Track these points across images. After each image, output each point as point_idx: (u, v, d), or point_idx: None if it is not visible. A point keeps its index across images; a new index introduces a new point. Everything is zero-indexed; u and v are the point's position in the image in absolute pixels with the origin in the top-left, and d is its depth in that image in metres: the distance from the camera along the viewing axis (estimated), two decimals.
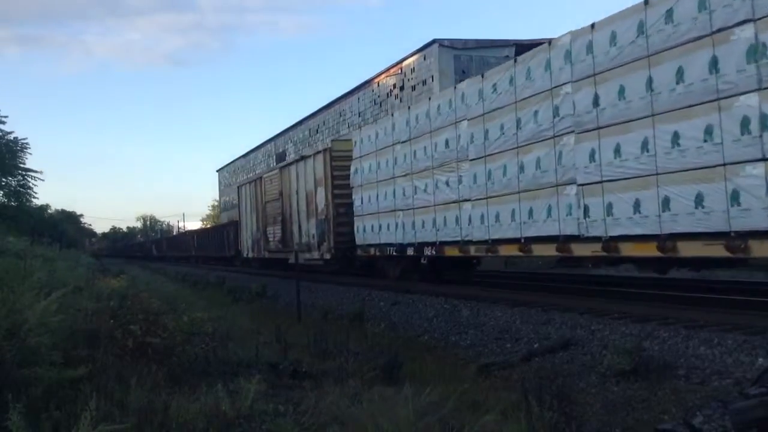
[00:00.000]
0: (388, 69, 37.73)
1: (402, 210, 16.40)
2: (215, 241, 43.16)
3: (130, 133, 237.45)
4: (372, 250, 18.23)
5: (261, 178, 28.98)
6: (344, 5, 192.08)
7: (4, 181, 40.77)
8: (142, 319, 7.02)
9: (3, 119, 39.59)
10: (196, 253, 52.06)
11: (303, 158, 23.07)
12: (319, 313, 13.93)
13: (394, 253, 16.92)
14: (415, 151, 15.80)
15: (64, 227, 56.55)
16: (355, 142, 19.25)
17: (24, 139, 41.20)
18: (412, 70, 35.04)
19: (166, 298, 12.31)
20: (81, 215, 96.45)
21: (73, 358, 5.42)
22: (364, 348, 8.60)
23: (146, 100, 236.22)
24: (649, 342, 7.95)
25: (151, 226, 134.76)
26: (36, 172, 42.19)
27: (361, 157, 18.67)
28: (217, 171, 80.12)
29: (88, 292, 9.45)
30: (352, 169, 19.19)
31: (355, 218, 18.94)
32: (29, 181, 42.02)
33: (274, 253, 26.70)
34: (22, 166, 41.31)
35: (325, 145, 21.68)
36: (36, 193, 43.36)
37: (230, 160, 74.38)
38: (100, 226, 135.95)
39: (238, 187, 34.49)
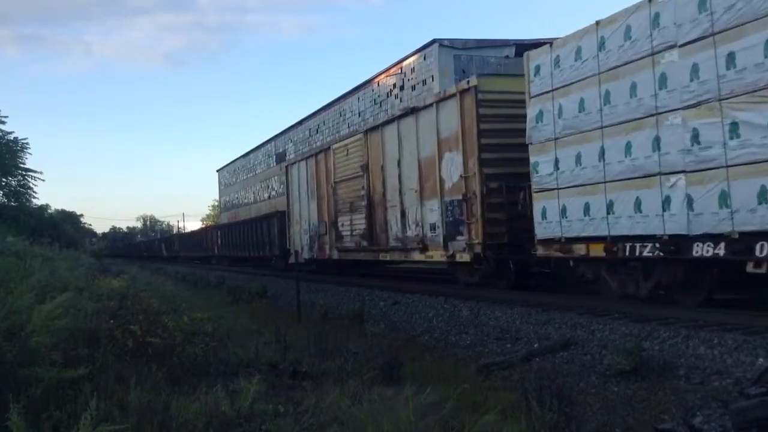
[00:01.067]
0: (388, 69, 37.73)
1: (685, 172, 8.76)
2: (250, 238, 33.67)
3: (130, 133, 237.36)
4: (578, 249, 10.69)
5: (328, 149, 20.98)
6: (345, 5, 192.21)
7: (4, 181, 40.83)
8: (142, 319, 7.05)
9: (3, 119, 39.66)
10: (221, 253, 41.92)
11: (414, 111, 15.50)
12: (319, 313, 13.93)
13: (648, 253, 9.50)
14: (731, 55, 8.10)
15: (64, 227, 56.54)
16: (536, 69, 11.32)
17: (24, 139, 41.32)
18: (412, 70, 35.03)
19: (166, 298, 12.34)
20: (81, 215, 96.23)
21: (73, 358, 5.42)
22: (364, 348, 8.61)
23: (146, 100, 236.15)
24: (649, 342, 7.95)
25: (151, 226, 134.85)
26: (36, 172, 42.31)
27: (553, 91, 10.88)
28: (217, 171, 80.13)
29: (88, 292, 9.46)
30: (531, 114, 11.46)
31: (534, 196, 11.53)
32: (29, 181, 42.11)
33: (352, 252, 19.27)
34: (22, 166, 41.40)
35: (462, 84, 13.83)
36: (36, 193, 43.45)
37: (230, 160, 74.38)
38: (100, 226, 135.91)
39: (286, 167, 26.10)
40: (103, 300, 8.91)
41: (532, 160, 11.58)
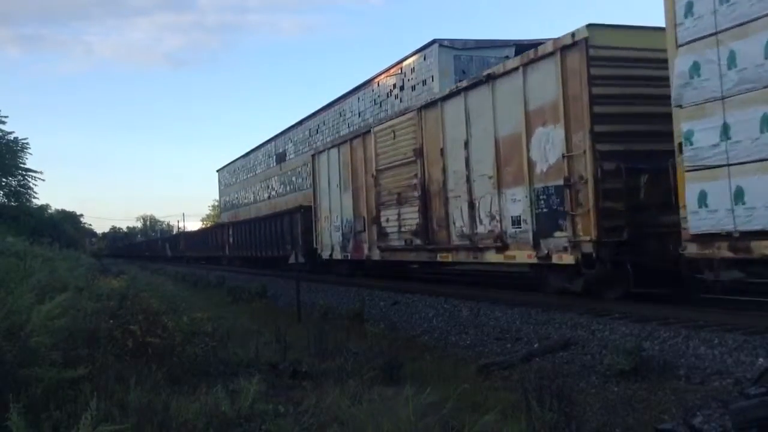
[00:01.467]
0: (388, 69, 37.75)
1: None
2: (268, 237, 30.17)
3: (130, 133, 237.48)
4: (763, 247, 7.82)
5: (368, 132, 17.75)
6: (345, 5, 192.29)
7: (4, 181, 40.86)
8: (142, 319, 7.05)
9: (3, 119, 39.68)
10: (233, 253, 38.52)
11: (489, 78, 12.65)
12: (319, 313, 13.93)
13: None
14: None
15: (64, 227, 56.54)
16: (687, 7, 8.39)
17: (24, 139, 41.37)
18: (412, 70, 35.04)
19: (166, 298, 12.35)
20: (81, 215, 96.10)
21: (73, 358, 5.42)
22: (364, 348, 8.61)
23: (146, 100, 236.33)
24: (649, 342, 7.95)
25: (151, 226, 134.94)
26: (36, 172, 42.35)
27: (718, 33, 7.98)
28: (217, 171, 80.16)
29: (88, 293, 9.46)
30: (681, 67, 8.46)
31: (687, 176, 8.52)
32: (29, 181, 42.14)
33: (400, 252, 16.37)
34: (22, 166, 41.43)
35: (564, 39, 10.79)
36: (36, 193, 43.47)
37: (230, 160, 74.45)
38: (100, 226, 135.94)
39: (312, 156, 22.93)
40: (103, 300, 8.92)
41: (683, 128, 8.52)
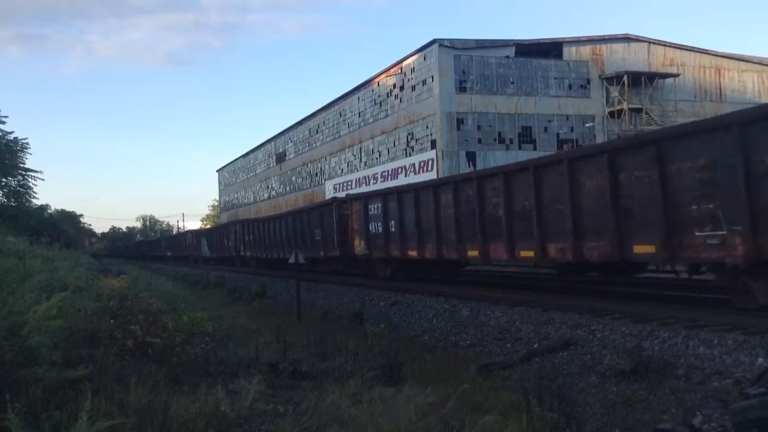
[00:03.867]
0: (388, 69, 37.78)
1: None
2: (488, 211, 12.25)
3: (130, 132, 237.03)
4: None
5: None
6: (346, 5, 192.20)
7: (4, 181, 40.80)
8: (142, 319, 7.05)
9: (3, 119, 39.61)
10: (384, 251, 16.69)
11: None
12: (319, 313, 13.93)
13: None
14: None
15: (64, 227, 56.38)
16: None
17: (24, 139, 41.24)
18: (412, 70, 35.05)
19: (166, 299, 12.35)
20: (81, 215, 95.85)
21: (73, 358, 5.42)
22: (363, 348, 8.62)
23: (147, 100, 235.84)
24: (649, 342, 7.95)
25: (150, 226, 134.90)
26: (36, 172, 42.25)
27: None
28: (217, 171, 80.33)
29: (88, 293, 9.46)
30: None
31: None
32: (29, 181, 42.06)
33: None
34: (22, 166, 41.34)
35: None
36: (36, 193, 43.38)
37: (230, 160, 74.54)
38: (100, 226, 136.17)
39: None
40: (103, 300, 8.92)
41: None
